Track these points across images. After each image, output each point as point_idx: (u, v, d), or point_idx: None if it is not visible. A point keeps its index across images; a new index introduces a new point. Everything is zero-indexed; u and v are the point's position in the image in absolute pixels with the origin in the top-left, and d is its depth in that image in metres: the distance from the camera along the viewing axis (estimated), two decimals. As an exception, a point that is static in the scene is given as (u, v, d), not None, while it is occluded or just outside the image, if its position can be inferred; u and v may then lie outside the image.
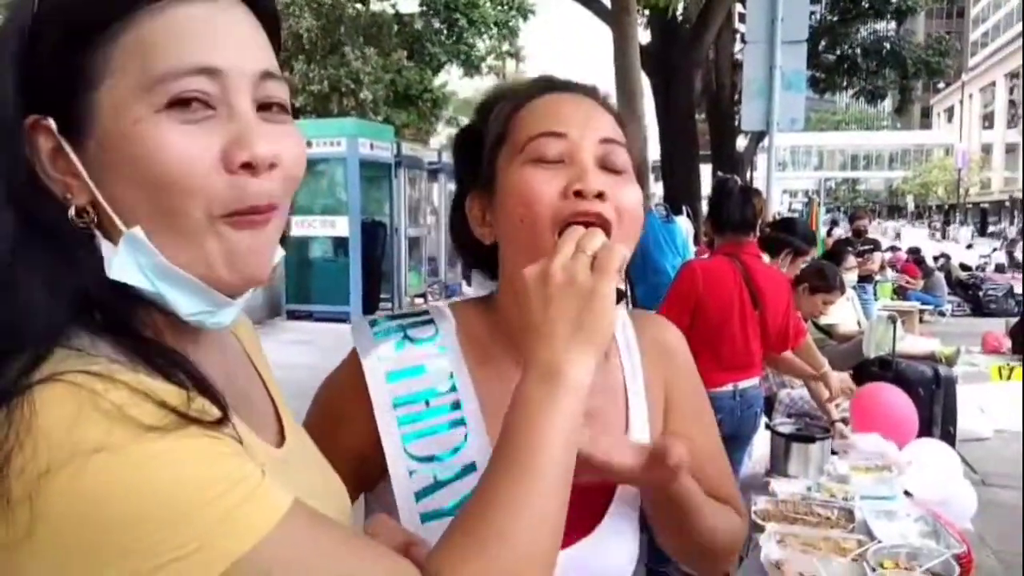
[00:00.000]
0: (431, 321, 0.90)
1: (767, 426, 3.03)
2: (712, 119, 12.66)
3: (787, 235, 3.97)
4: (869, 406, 3.01)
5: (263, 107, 0.58)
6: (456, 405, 0.84)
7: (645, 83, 7.58)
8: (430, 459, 0.83)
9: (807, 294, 3.80)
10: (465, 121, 0.97)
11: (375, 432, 0.83)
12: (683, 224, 5.18)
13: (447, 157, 10.56)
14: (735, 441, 3.08)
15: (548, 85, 0.89)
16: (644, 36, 8.47)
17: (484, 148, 0.87)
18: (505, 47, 20.00)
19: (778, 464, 2.89)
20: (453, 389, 0.85)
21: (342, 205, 9.96)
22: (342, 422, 0.86)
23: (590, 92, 0.89)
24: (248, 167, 0.55)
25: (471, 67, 18.34)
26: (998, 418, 6.01)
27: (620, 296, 0.70)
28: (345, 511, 0.71)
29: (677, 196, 7.56)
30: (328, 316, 9.51)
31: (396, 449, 0.83)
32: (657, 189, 8.64)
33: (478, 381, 0.87)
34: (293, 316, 9.98)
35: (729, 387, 2.95)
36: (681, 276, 3.04)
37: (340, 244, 10.12)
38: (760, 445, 3.18)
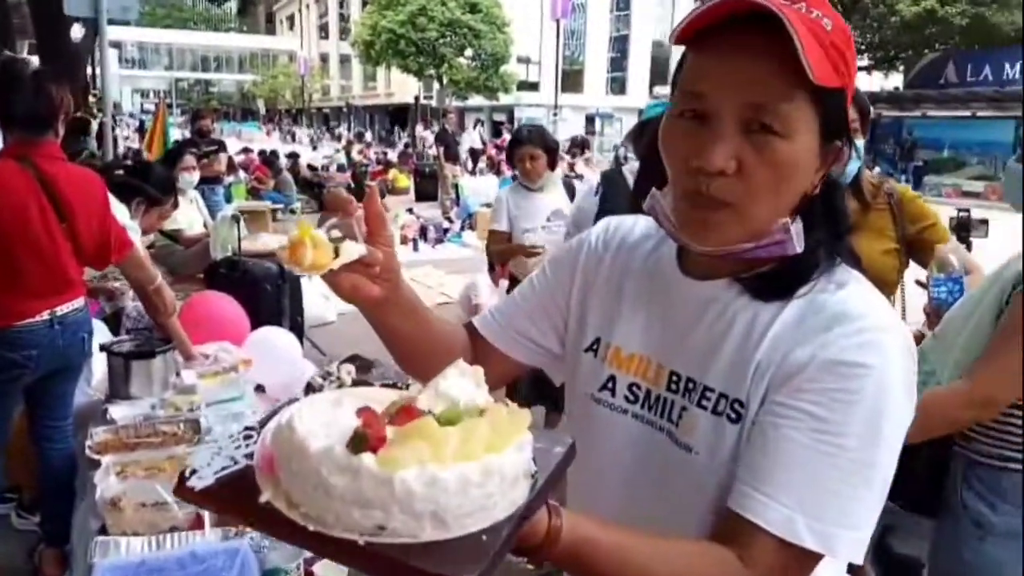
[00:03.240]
0: None
1: (102, 347, 2.71)
2: (32, 2, 10.83)
3: (140, 181, 3.46)
4: (199, 317, 2.94)
5: None
6: None
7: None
8: None
9: (144, 208, 3.49)
10: None
11: None
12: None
13: None
14: (65, 373, 2.70)
15: None
16: None
17: None
18: None
19: (119, 387, 2.63)
20: None
21: None
22: None
23: None
24: None
25: None
26: (339, 302, 6.79)
27: None
28: None
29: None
30: None
31: None
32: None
33: None
34: None
35: (45, 315, 2.53)
36: None
37: None
38: (99, 370, 2.86)
